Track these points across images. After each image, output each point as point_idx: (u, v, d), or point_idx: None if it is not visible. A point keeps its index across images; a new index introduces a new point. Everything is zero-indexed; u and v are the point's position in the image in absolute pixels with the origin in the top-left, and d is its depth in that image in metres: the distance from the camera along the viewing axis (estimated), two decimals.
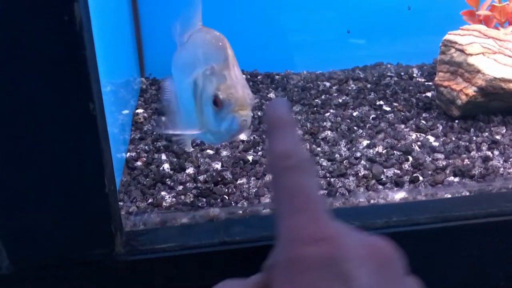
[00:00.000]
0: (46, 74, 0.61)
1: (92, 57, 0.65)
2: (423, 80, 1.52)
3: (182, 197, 0.93)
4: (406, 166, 1.03)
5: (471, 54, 1.20)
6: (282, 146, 0.45)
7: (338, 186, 0.96)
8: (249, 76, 1.60)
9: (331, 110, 1.33)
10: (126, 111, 1.28)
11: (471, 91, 1.18)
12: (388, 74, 1.58)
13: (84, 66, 0.62)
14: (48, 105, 0.63)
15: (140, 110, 1.34)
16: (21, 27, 0.59)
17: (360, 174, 1.00)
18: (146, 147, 1.14)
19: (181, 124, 0.91)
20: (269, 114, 0.50)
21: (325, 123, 1.24)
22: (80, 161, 0.67)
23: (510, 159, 1.03)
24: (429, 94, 1.40)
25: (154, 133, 1.20)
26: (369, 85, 1.49)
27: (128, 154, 1.11)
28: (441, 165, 1.02)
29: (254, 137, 1.18)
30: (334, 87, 1.49)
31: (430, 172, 1.00)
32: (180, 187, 0.98)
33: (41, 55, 0.61)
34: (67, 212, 0.69)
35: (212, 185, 0.98)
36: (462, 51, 1.22)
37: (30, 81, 0.61)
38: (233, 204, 0.91)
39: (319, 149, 1.11)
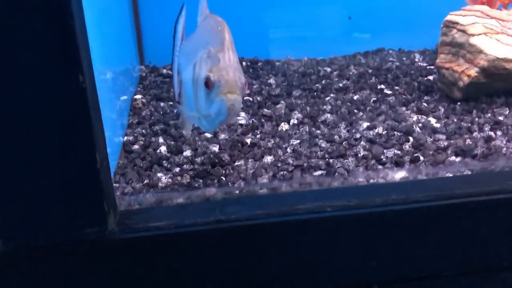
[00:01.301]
0: (33, 45, 0.60)
1: (82, 28, 0.64)
2: (425, 64, 1.50)
3: (179, 178, 0.92)
4: (407, 146, 1.01)
5: (473, 35, 1.18)
6: None
7: (337, 166, 0.94)
8: (249, 63, 1.59)
9: (332, 94, 1.31)
10: (124, 97, 1.27)
11: (473, 72, 1.16)
12: (390, 59, 1.56)
13: (72, 37, 0.61)
14: (36, 77, 0.62)
15: (138, 96, 1.33)
16: None
17: (359, 155, 0.98)
18: (143, 131, 1.13)
19: (185, 110, 0.91)
20: None
21: (325, 107, 1.22)
22: (70, 136, 0.65)
23: None
24: (430, 77, 1.38)
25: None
26: (370, 70, 1.47)
27: (126, 138, 1.10)
28: (442, 145, 1.01)
29: (253, 120, 1.16)
30: (335, 72, 1.47)
31: (431, 152, 0.98)
32: (177, 169, 0.96)
33: (28, 25, 0.59)
34: (58, 190, 0.68)
35: (209, 166, 0.97)
36: (464, 31, 1.20)
37: (16, 52, 0.60)
38: (229, 185, 0.90)
39: (318, 131, 1.10)
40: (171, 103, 1.26)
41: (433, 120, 1.13)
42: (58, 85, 0.62)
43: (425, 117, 1.15)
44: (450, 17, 1.25)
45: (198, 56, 0.82)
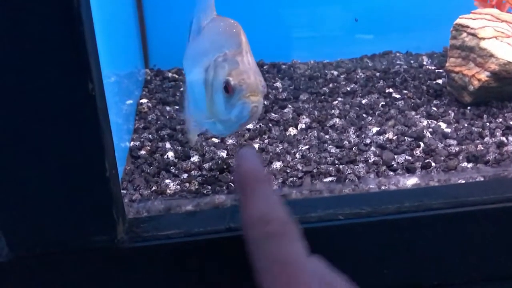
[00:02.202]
0: (42, 52, 0.59)
1: (91, 35, 0.63)
2: (433, 67, 1.48)
3: (187, 184, 0.91)
4: (418, 152, 1.00)
5: (483, 38, 1.16)
6: (259, 209, 0.39)
7: (347, 172, 0.93)
8: None
9: (339, 98, 1.30)
10: (130, 101, 1.26)
11: (483, 76, 1.15)
12: (397, 62, 1.55)
13: (82, 43, 0.60)
14: (45, 84, 0.61)
15: (144, 100, 1.32)
16: (17, 2, 0.57)
17: (370, 161, 0.97)
18: (150, 136, 1.11)
19: (190, 115, 0.90)
20: (240, 167, 0.43)
21: (333, 111, 1.21)
22: (79, 144, 0.64)
23: None
24: (439, 81, 1.36)
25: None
26: (377, 74, 1.46)
27: (132, 143, 1.09)
28: (453, 151, 0.99)
29: (260, 125, 1.15)
30: (342, 76, 1.46)
31: (442, 158, 0.97)
32: (185, 175, 0.95)
33: (38, 32, 0.58)
34: (67, 198, 0.67)
35: (218, 172, 0.95)
36: (474, 35, 1.19)
37: (26, 60, 0.59)
38: None
39: (327, 136, 1.08)
40: (177, 107, 1.25)
41: (443, 125, 1.11)
42: (68, 93, 0.61)
43: (435, 121, 1.13)
44: (460, 20, 1.23)
45: (211, 60, 0.80)
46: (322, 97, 1.31)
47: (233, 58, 0.77)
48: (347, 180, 0.90)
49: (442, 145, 1.02)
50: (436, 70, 1.45)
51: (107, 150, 0.65)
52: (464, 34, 1.21)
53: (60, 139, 0.63)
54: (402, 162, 0.96)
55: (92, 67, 0.62)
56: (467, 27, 1.21)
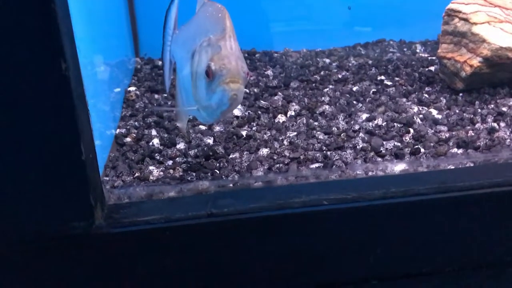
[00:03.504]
0: (11, 29, 0.57)
1: (64, 13, 0.61)
2: (426, 55, 1.46)
3: (171, 171, 0.89)
4: (407, 138, 0.98)
5: (475, 23, 1.14)
6: None
7: (334, 159, 0.91)
8: (246, 54, 1.55)
9: (330, 86, 1.28)
10: (118, 89, 1.24)
11: (476, 62, 1.13)
12: (390, 50, 1.53)
13: (53, 21, 0.58)
14: (16, 64, 0.59)
15: (132, 88, 1.30)
16: None
17: (358, 147, 0.95)
18: (136, 123, 1.10)
19: (180, 102, 0.88)
20: None
21: (323, 98, 1.19)
22: (53, 127, 0.63)
23: None
24: (432, 68, 1.35)
25: (146, 109, 1.16)
26: (370, 61, 1.44)
27: (118, 130, 1.07)
28: (444, 137, 0.97)
29: (249, 112, 1.13)
30: (334, 64, 1.44)
31: (432, 144, 0.95)
32: (170, 162, 0.93)
33: (7, 8, 0.56)
34: (42, 182, 0.65)
35: (203, 159, 0.94)
36: (466, 20, 1.16)
37: None
38: (223, 178, 0.87)
39: (316, 123, 1.07)
40: (165, 95, 1.23)
41: (434, 112, 1.09)
42: (39, 73, 0.59)
43: (426, 108, 1.12)
44: (452, 5, 1.21)
45: (197, 45, 0.79)
46: (313, 84, 1.30)
47: (216, 43, 0.75)
48: (334, 166, 0.89)
49: (432, 131, 1.00)
50: (429, 57, 1.43)
51: (83, 133, 0.64)
52: (456, 20, 1.19)
53: (33, 122, 0.62)
54: (391, 148, 0.94)
55: (65, 46, 0.60)
56: (459, 12, 1.19)
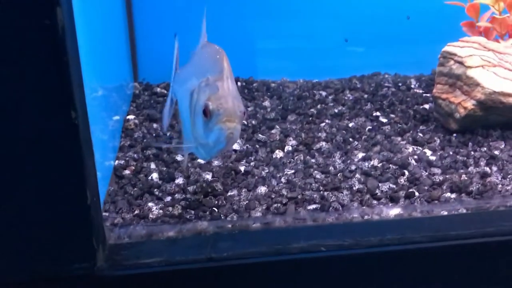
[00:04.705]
0: (25, 79, 0.59)
1: (75, 64, 0.62)
2: (421, 91, 1.49)
3: (170, 208, 0.90)
4: (402, 180, 1.00)
5: (470, 67, 1.18)
6: None
7: (331, 200, 0.93)
8: (244, 83, 1.57)
9: (327, 120, 1.30)
10: (116, 117, 1.25)
11: (470, 104, 1.16)
12: (386, 84, 1.55)
13: (66, 72, 0.59)
14: (27, 112, 0.60)
15: (131, 116, 1.31)
16: (1, 30, 0.57)
17: (354, 188, 0.97)
18: (135, 155, 1.11)
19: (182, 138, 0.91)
20: None
21: (320, 134, 1.21)
22: (60, 173, 0.64)
23: (509, 176, 1.01)
24: (427, 106, 1.37)
25: (145, 140, 1.17)
26: (365, 95, 1.47)
27: (117, 162, 1.08)
28: (437, 180, 1.00)
29: (247, 146, 1.15)
30: (330, 97, 1.46)
31: (426, 188, 0.97)
32: (168, 198, 0.95)
33: (21, 60, 0.58)
34: (47, 225, 0.66)
35: (202, 196, 0.95)
36: (461, 63, 1.20)
37: (8, 86, 0.59)
38: (222, 217, 0.88)
39: (313, 160, 1.08)
40: (163, 133, 1.24)
41: (428, 152, 1.12)
42: (50, 121, 0.61)
43: (420, 148, 1.14)
44: (447, 48, 1.24)
45: (196, 85, 0.82)
46: (310, 118, 1.32)
47: (214, 83, 0.79)
48: (330, 208, 0.90)
49: (427, 173, 1.03)
50: (424, 94, 1.46)
51: (88, 180, 0.65)
52: (452, 62, 1.22)
53: (41, 168, 0.63)
54: (386, 191, 0.96)
55: (75, 95, 0.61)
56: (455, 54, 1.22)
